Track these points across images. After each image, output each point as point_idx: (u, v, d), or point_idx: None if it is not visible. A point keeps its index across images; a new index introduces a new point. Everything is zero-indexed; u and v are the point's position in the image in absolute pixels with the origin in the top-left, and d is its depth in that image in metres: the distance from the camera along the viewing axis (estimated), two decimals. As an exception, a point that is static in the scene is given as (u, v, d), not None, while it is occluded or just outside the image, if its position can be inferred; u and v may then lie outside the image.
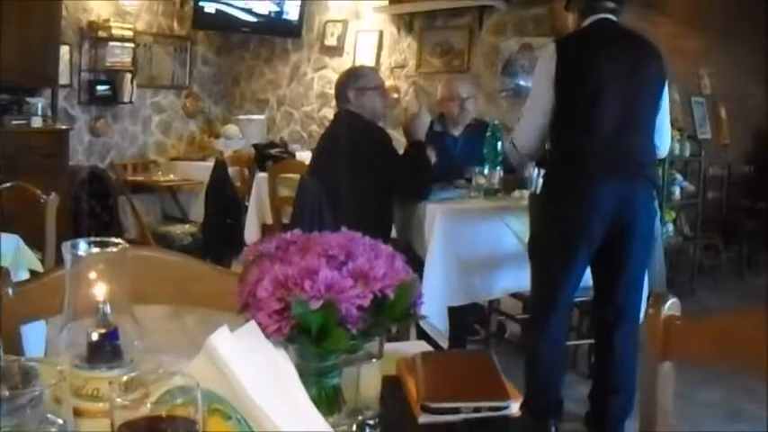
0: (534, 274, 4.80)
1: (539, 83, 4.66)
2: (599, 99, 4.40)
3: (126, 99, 10.25)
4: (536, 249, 4.77)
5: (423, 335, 5.12)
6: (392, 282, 1.41)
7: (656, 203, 6.02)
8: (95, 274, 1.52)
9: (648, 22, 7.45)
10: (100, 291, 1.51)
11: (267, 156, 8.09)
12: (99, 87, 9.95)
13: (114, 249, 1.55)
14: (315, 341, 1.36)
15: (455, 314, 5.16)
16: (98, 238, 1.56)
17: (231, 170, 8.75)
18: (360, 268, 1.39)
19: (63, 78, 9.41)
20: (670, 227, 8.42)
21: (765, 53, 10.55)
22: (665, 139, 4.78)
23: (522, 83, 8.75)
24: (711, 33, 9.82)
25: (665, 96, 4.67)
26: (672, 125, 8.00)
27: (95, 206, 9.23)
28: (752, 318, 1.79)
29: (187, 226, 9.74)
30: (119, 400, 1.17)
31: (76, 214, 8.99)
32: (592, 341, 5.54)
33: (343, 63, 10.23)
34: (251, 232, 7.16)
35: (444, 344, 5.05)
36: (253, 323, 1.37)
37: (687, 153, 8.66)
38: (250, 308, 1.40)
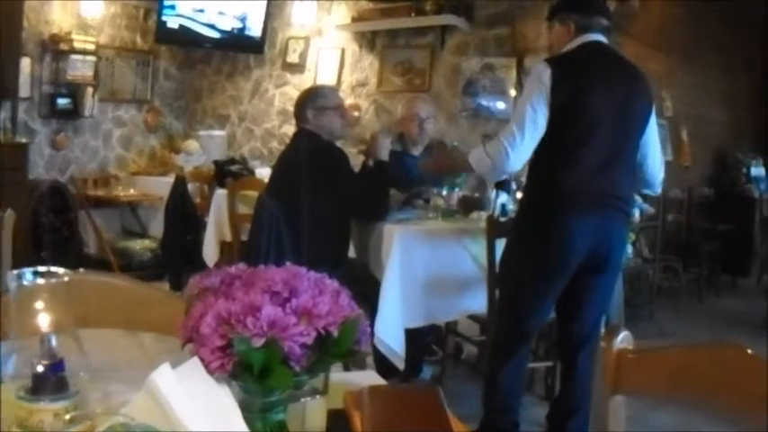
0: (504, 303, 4.77)
1: (534, 104, 4.31)
2: (589, 135, 4.29)
3: (87, 113, 10.14)
4: (509, 280, 4.73)
5: (379, 357, 5.13)
6: (336, 319, 1.41)
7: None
8: (41, 304, 1.51)
9: (613, 43, 7.47)
10: (45, 321, 1.50)
11: (227, 172, 8.04)
12: (60, 101, 9.82)
13: (60, 279, 1.54)
14: (258, 378, 1.36)
15: (412, 335, 5.15)
16: (44, 268, 1.55)
17: (191, 186, 8.71)
18: (303, 305, 1.39)
19: (23, 91, 9.29)
20: (629, 249, 8.44)
21: (727, 76, 10.65)
22: (660, 174, 4.71)
23: (483, 103, 8.76)
24: (674, 56, 9.89)
25: (654, 129, 4.58)
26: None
27: (55, 221, 9.13)
28: (703, 352, 1.80)
29: (147, 241, 9.69)
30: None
31: (36, 228, 8.92)
32: (549, 364, 5.55)
33: (305, 80, 10.24)
34: (210, 249, 7.14)
35: (401, 365, 5.05)
36: (195, 359, 1.36)
37: (648, 175, 8.69)
38: (194, 343, 1.40)
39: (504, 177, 5.14)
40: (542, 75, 4.32)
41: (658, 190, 4.94)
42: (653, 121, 4.56)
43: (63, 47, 9.66)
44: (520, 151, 4.33)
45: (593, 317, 4.63)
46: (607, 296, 4.72)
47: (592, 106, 4.28)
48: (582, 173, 4.30)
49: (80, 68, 9.87)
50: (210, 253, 7.10)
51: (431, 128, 6.43)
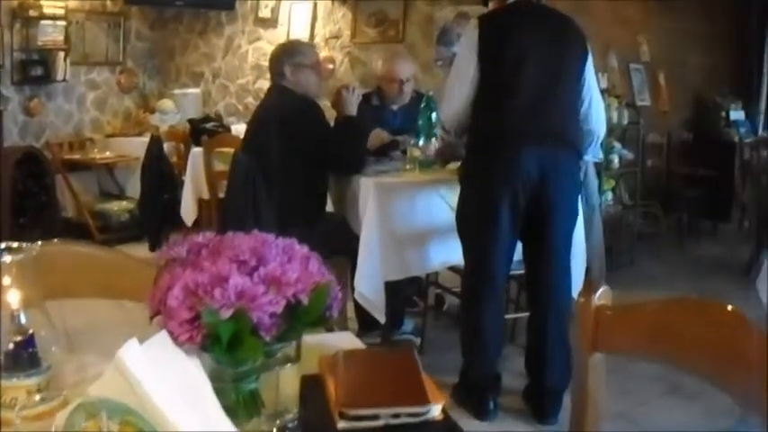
0: (465, 248, 4.85)
1: (462, 55, 4.77)
2: (519, 67, 4.49)
3: (60, 77, 10.05)
4: (463, 222, 4.82)
5: (361, 311, 5.14)
6: (306, 286, 1.39)
7: (590, 174, 6.05)
8: (8, 280, 1.49)
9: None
10: (14, 298, 1.48)
11: (202, 130, 8.01)
12: (32, 67, 9.75)
13: (27, 254, 1.52)
14: (227, 350, 1.34)
15: (392, 288, 5.15)
16: (13, 243, 1.53)
17: (167, 145, 8.67)
18: (271, 273, 1.37)
19: (-6, 59, 9.24)
20: (609, 195, 8.43)
21: (705, 21, 10.60)
22: (600, 119, 4.83)
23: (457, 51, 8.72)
24: (651, 1, 9.84)
25: (592, 75, 4.73)
26: (610, 92, 7.99)
27: (32, 186, 9.07)
28: (681, 308, 1.78)
29: (124, 203, 9.64)
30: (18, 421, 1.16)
31: (13, 195, 8.87)
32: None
33: (278, 35, 10.15)
34: (187, 207, 7.14)
35: (382, 319, 5.05)
36: (164, 332, 1.34)
37: (626, 120, 8.66)
38: (162, 315, 1.38)
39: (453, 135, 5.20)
40: (471, 29, 4.74)
41: (600, 155, 5.21)
42: (590, 69, 4.74)
43: (32, 13, 9.53)
44: (450, 106, 4.84)
45: (553, 261, 4.70)
46: (565, 239, 4.76)
47: (516, 43, 4.57)
48: (517, 105, 4.51)
49: (50, 34, 9.76)
50: (188, 211, 7.10)
51: (409, 89, 6.41)
